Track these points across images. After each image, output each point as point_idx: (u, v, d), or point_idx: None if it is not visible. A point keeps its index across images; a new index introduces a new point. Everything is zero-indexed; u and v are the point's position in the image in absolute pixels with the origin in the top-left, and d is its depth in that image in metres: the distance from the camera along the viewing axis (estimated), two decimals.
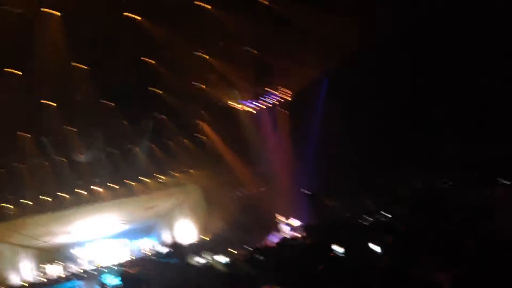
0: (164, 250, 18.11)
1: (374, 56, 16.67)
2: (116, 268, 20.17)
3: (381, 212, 12.58)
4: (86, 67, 16.29)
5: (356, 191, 18.19)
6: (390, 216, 9.80)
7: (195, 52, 17.68)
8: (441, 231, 4.93)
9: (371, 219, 11.78)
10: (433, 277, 3.45)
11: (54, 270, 20.45)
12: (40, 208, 19.38)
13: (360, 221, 11.30)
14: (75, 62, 15.75)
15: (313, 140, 21.33)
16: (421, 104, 16.77)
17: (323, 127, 21.18)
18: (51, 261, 22.02)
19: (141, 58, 16.70)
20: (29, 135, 18.48)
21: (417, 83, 17.44)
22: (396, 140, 17.27)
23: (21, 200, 19.24)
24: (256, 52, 18.55)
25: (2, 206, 18.59)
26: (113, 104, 18.28)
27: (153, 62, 17.38)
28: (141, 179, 21.32)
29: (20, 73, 15.36)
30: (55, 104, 17.60)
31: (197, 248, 20.21)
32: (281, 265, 5.40)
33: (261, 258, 8.94)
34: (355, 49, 16.02)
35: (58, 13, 13.64)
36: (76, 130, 19.09)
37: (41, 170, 19.48)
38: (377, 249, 5.38)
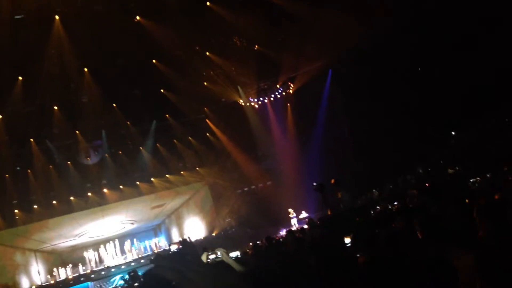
0: (174, 247, 18.33)
1: (378, 46, 16.85)
2: (125, 267, 20.32)
3: (390, 200, 12.78)
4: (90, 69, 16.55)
5: (364, 181, 18.43)
6: (398, 203, 9.99)
7: (199, 50, 17.86)
8: (451, 215, 5.06)
9: (380, 208, 11.99)
10: (447, 260, 3.61)
11: (64, 272, 20.62)
12: (49, 212, 19.53)
13: (369, 210, 11.51)
14: (80, 64, 15.97)
15: (319, 132, 21.52)
16: (425, 93, 16.95)
17: (329, 119, 21.37)
18: (61, 264, 22.22)
19: (146, 58, 16.88)
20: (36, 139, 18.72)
21: (421, 72, 17.64)
22: (402, 129, 17.46)
23: (29, 205, 19.43)
24: (259, 46, 18.73)
25: (11, 211, 18.79)
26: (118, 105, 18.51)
27: (158, 62, 17.59)
28: (148, 179, 21.46)
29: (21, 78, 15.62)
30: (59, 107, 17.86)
31: (205, 245, 20.47)
32: (285, 258, 5.46)
33: (267, 251, 9.13)
34: (358, 41, 16.19)
35: (63, 15, 13.82)
36: (82, 132, 19.30)
37: (48, 174, 19.64)
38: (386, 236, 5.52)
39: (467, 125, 16.98)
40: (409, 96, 17.19)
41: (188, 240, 3.18)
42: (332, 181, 11.59)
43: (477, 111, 15.58)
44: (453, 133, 18.29)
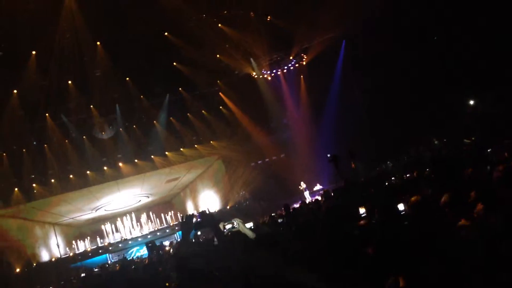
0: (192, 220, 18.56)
1: (392, 16, 16.61)
2: (142, 240, 20.74)
3: (403, 172, 12.75)
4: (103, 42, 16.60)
5: (378, 153, 18.42)
6: (412, 175, 9.98)
7: (211, 22, 17.76)
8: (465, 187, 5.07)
9: (394, 180, 12.01)
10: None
11: (83, 245, 21.13)
12: (66, 186, 19.85)
13: (384, 181, 11.52)
14: (92, 38, 16.03)
15: (333, 104, 21.42)
16: (440, 62, 16.74)
17: (342, 90, 21.24)
18: (79, 237, 22.77)
19: (159, 31, 16.84)
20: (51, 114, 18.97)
21: (436, 42, 17.38)
22: (416, 99, 17.32)
23: (47, 179, 19.79)
24: (271, 18, 18.57)
25: (29, 186, 19.14)
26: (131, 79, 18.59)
27: (170, 35, 17.55)
28: (162, 153, 21.66)
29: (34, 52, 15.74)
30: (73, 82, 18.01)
31: (220, 217, 20.71)
32: (299, 229, 5.51)
33: (281, 221, 9.27)
34: (372, 10, 15.97)
35: None
36: (96, 107, 19.50)
37: (64, 149, 19.93)
38: (402, 208, 5.56)
39: (483, 94, 16.81)
40: (424, 66, 16.99)
41: (207, 211, 3.32)
42: (348, 152, 11.62)
43: (493, 79, 15.39)
44: (471, 102, 18.13)
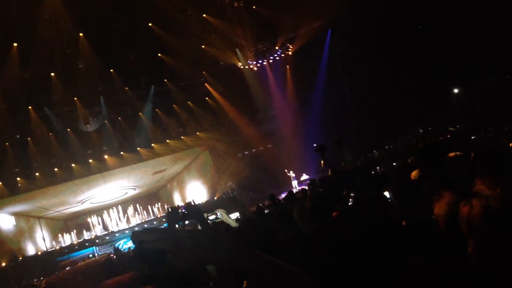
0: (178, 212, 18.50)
1: (378, 5, 16.68)
2: (129, 232, 20.72)
3: (390, 160, 12.89)
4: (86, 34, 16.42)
5: (364, 141, 18.58)
6: (399, 163, 10.11)
7: (196, 13, 17.66)
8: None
9: (381, 168, 12.14)
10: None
11: (69, 238, 21.04)
12: (51, 180, 19.69)
13: (370, 169, 11.63)
14: (75, 29, 15.86)
15: (319, 93, 21.50)
16: (425, 51, 16.88)
17: (328, 80, 21.32)
18: (65, 230, 22.69)
19: (142, 22, 16.72)
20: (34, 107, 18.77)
21: (421, 30, 17.51)
22: (402, 89, 17.47)
23: (31, 173, 19.62)
24: (256, 7, 18.52)
25: (13, 179, 18.98)
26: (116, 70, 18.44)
27: (155, 26, 17.42)
28: (148, 145, 21.57)
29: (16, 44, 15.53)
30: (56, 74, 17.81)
31: (207, 209, 20.75)
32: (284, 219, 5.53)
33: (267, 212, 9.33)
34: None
35: None
36: (80, 99, 19.32)
37: (48, 142, 19.76)
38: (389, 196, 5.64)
39: (468, 82, 17.02)
40: (409, 55, 17.13)
41: (192, 203, 3.30)
42: (334, 140, 11.68)
43: (478, 68, 15.59)
44: (455, 90, 18.33)
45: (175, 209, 3.95)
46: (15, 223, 20.41)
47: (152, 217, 22.50)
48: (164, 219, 20.63)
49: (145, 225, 21.52)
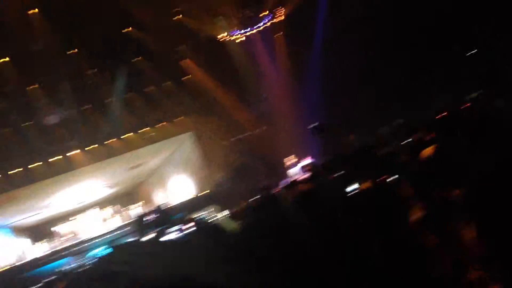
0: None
1: None
2: (108, 237, 20.90)
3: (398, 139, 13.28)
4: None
5: (366, 119, 18.84)
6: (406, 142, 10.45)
7: None
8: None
9: (387, 149, 12.53)
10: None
11: (37, 249, 21.23)
12: (5, 185, 19.58)
13: (375, 151, 12.02)
14: (29, 5, 15.88)
15: (315, 66, 21.52)
16: (429, 21, 17.20)
17: (325, 50, 21.33)
18: (31, 240, 22.84)
19: None
20: None
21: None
22: (406, 60, 17.73)
23: None
24: None
25: None
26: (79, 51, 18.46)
27: None
28: (122, 136, 21.55)
29: None
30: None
31: (194, 206, 20.87)
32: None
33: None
34: None
35: None
36: (40, 86, 19.33)
37: (1, 140, 19.69)
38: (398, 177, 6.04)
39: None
40: (415, 21, 17.38)
41: (161, 208, 3.38)
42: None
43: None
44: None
45: (140, 218, 4.21)
46: None
47: (134, 219, 22.63)
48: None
49: (126, 228, 21.70)
